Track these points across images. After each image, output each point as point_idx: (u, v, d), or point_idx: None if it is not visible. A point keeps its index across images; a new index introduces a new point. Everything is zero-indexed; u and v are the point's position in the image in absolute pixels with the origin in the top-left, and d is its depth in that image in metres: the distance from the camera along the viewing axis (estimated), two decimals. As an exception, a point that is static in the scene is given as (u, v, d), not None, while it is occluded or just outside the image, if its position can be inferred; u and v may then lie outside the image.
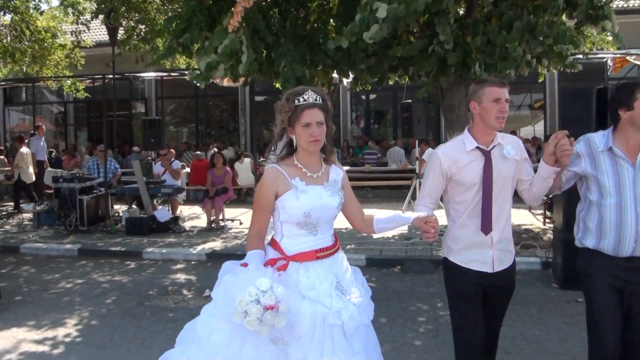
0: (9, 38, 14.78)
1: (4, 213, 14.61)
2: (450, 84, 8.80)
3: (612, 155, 3.60)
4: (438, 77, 8.44)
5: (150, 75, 16.84)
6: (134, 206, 12.11)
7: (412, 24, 7.48)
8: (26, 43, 14.79)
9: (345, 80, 13.31)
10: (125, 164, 15.97)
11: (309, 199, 3.19)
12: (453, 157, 3.70)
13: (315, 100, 3.18)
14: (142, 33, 13.65)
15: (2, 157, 17.81)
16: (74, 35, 15.13)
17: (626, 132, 3.58)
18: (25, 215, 13.62)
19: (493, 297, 3.83)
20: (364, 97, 19.99)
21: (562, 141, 3.49)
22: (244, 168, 14.34)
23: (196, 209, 14.09)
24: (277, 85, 11.35)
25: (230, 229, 12.04)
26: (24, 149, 14.20)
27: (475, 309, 3.76)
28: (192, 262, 9.59)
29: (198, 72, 8.46)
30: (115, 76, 13.79)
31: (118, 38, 13.97)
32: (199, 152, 15.42)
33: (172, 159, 13.06)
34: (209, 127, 22.21)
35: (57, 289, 8.19)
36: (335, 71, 9.90)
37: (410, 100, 11.52)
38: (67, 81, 16.13)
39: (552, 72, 10.67)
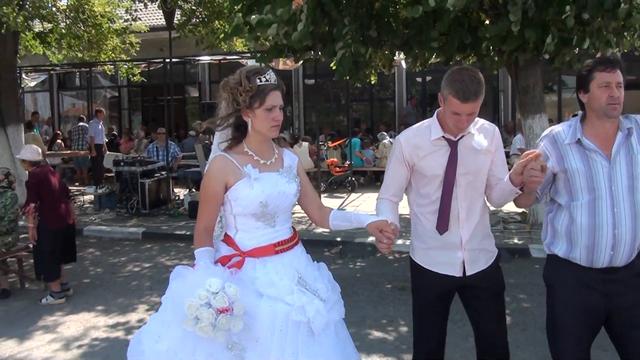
0: (64, 23, 14.71)
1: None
2: (526, 63, 8.36)
3: (581, 148, 3.04)
4: (514, 54, 7.99)
5: (207, 59, 16.65)
6: (194, 190, 11.96)
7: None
8: (82, 28, 14.72)
9: (403, 62, 12.94)
10: (181, 147, 15.87)
11: (264, 186, 2.89)
12: (415, 145, 3.27)
13: (275, 81, 2.89)
14: (201, 16, 13.40)
15: (59, 141, 17.91)
16: (129, 20, 14.98)
17: (592, 120, 3.06)
18: (86, 197, 13.60)
19: (472, 300, 3.40)
20: (419, 79, 19.40)
21: (532, 164, 2.87)
22: (302, 152, 14.00)
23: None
24: (333, 66, 11.09)
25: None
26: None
27: (435, 314, 3.42)
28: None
29: (259, 53, 8.20)
30: (173, 60, 13.64)
31: (174, 22, 13.84)
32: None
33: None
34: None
35: (124, 273, 8.10)
36: (400, 51, 9.54)
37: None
38: (124, 66, 16.03)
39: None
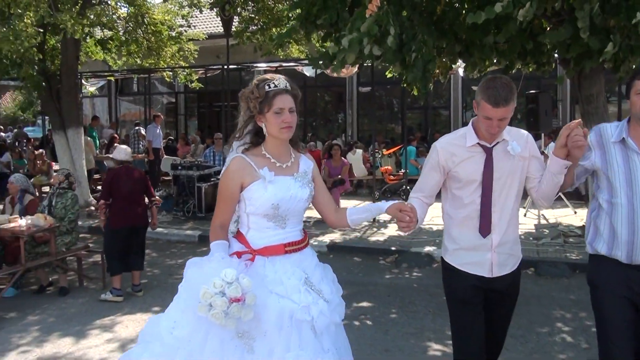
0: (124, 31, 14.96)
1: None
2: (590, 71, 8.10)
3: (624, 147, 3.22)
4: (581, 61, 7.74)
5: (263, 66, 16.72)
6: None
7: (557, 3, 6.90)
8: (142, 35, 14.95)
9: (460, 70, 12.73)
10: (236, 153, 15.92)
11: (277, 189, 3.01)
12: (451, 151, 3.40)
13: (287, 87, 3.03)
14: (260, 23, 13.46)
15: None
16: (184, 26, 15.15)
17: (634, 124, 3.24)
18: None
19: (492, 303, 3.52)
20: (475, 87, 18.90)
21: (575, 131, 3.11)
22: (356, 159, 13.93)
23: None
24: (389, 74, 10.95)
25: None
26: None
27: (474, 314, 3.47)
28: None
29: (329, 60, 8.06)
30: (230, 67, 13.73)
31: (232, 29, 13.95)
32: (312, 143, 15.16)
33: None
34: (311, 118, 21.99)
35: (181, 275, 8.03)
36: (459, 58, 9.36)
37: (537, 91, 10.79)
38: (182, 72, 16.22)
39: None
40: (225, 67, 13.57)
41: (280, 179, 3.03)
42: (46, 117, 22.52)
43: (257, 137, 3.11)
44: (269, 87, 2.99)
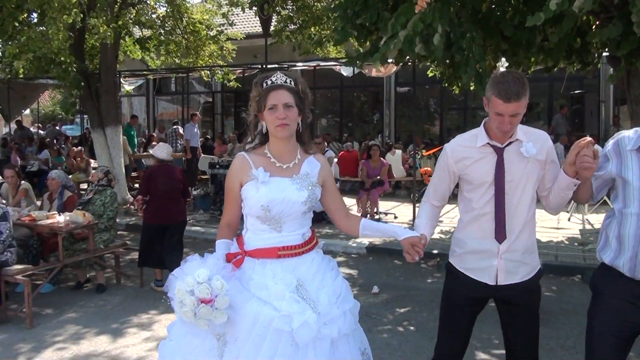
0: (163, 30, 14.99)
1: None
2: (640, 71, 7.78)
3: None
4: (631, 59, 7.42)
5: (302, 65, 16.62)
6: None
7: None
8: (180, 35, 14.96)
9: (502, 69, 12.42)
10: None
11: (269, 191, 2.90)
12: (462, 153, 3.28)
13: (285, 82, 2.93)
14: (299, 22, 13.33)
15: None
16: (224, 25, 15.11)
17: None
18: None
19: (504, 315, 3.39)
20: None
21: (584, 151, 2.90)
22: (395, 160, 13.70)
23: (345, 200, 13.49)
24: (430, 73, 10.73)
25: (386, 222, 11.46)
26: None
27: (462, 318, 3.38)
28: (352, 255, 9.11)
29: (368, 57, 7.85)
30: (268, 66, 13.63)
31: (270, 29, 13.85)
32: (349, 143, 14.97)
33: (326, 149, 12.67)
34: (347, 119, 21.80)
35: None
36: (503, 57, 9.09)
37: (581, 91, 10.46)
38: (220, 72, 16.19)
39: None
40: (264, 66, 13.43)
41: (275, 180, 2.94)
42: (84, 115, 22.83)
43: (265, 137, 3.05)
44: (266, 84, 2.92)
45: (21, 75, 15.49)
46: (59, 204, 7.65)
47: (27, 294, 6.18)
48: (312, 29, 13.44)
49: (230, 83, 16.45)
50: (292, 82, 2.94)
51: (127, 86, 20.70)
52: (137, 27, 14.82)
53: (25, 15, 12.71)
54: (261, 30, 16.86)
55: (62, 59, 11.31)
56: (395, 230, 3.11)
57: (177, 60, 15.77)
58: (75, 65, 12.06)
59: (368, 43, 8.46)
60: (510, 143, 3.17)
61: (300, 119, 2.99)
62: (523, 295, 3.30)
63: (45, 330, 6.03)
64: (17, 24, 12.24)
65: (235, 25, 15.47)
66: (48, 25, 9.79)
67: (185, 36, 14.77)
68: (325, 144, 13.60)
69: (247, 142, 3.10)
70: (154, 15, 14.64)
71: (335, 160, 14.41)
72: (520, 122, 3.16)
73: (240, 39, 16.11)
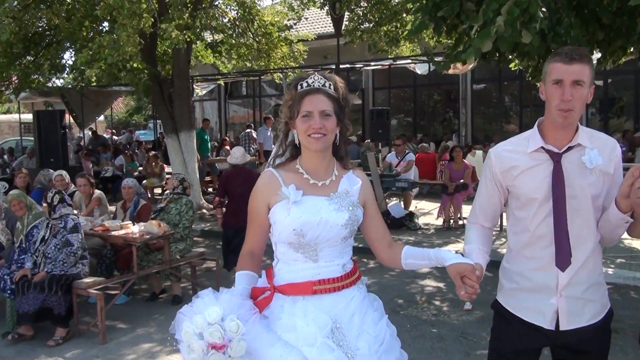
0: (234, 34, 14.76)
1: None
2: None
3: None
4: None
5: (375, 64, 16.13)
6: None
7: None
8: (251, 37, 14.71)
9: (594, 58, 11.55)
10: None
11: (302, 212, 2.42)
12: (509, 160, 2.65)
13: (323, 85, 2.45)
14: (374, 19, 12.83)
15: (227, 147, 18.08)
16: (296, 25, 14.79)
17: None
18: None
19: None
20: (599, 82, 17.38)
21: (639, 183, 2.31)
22: (476, 161, 12.90)
23: (423, 204, 12.98)
24: (514, 67, 9.99)
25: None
26: None
27: None
28: (439, 267, 8.39)
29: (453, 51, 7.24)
30: (341, 66, 13.19)
31: (342, 28, 13.42)
32: (424, 144, 14.35)
33: (407, 151, 12.09)
34: (420, 118, 21.10)
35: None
36: (598, 47, 8.31)
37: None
38: (292, 73, 15.83)
39: None
40: (336, 66, 12.98)
41: (309, 200, 2.46)
42: (157, 121, 22.98)
43: (296, 150, 2.58)
44: (301, 87, 2.46)
45: (94, 83, 15.57)
46: (132, 212, 7.38)
47: (100, 308, 5.89)
48: (385, 28, 12.92)
49: (302, 85, 16.03)
50: (332, 87, 2.48)
51: (199, 91, 20.67)
52: (208, 31, 14.64)
53: (95, 24, 12.68)
54: (331, 30, 16.52)
55: (133, 65, 11.16)
56: (442, 255, 2.50)
57: (248, 64, 15.54)
58: (146, 71, 11.92)
59: (446, 38, 7.86)
60: (569, 149, 2.57)
61: (339, 130, 2.53)
62: (593, 342, 2.66)
63: (119, 347, 5.74)
64: (87, 33, 12.22)
65: (304, 27, 15.14)
66: (118, 31, 9.61)
67: (257, 39, 14.47)
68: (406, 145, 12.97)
69: (277, 155, 2.63)
70: (225, 20, 14.43)
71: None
72: (588, 125, 2.60)
73: (311, 39, 15.73)
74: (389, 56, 14.52)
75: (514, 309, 2.70)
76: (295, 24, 14.84)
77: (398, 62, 15.49)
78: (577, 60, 2.45)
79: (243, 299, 2.38)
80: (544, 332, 2.62)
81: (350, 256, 2.58)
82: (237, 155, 7.55)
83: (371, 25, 13.07)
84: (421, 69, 16.09)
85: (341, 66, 13.36)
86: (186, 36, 9.96)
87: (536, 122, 2.68)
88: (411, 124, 20.68)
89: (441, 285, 7.38)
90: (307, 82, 2.45)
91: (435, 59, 11.15)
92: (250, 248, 2.59)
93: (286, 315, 2.40)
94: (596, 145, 2.57)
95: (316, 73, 2.50)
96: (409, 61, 15.17)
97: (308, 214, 2.41)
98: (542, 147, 2.58)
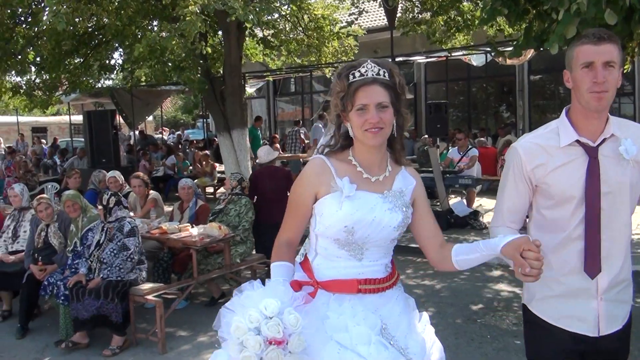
0: (284, 29, 14.41)
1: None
2: None
3: None
4: None
5: (423, 58, 15.60)
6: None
7: None
8: (302, 33, 14.34)
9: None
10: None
11: (356, 209, 2.28)
12: (539, 155, 2.45)
13: (378, 74, 2.28)
14: (432, 8, 12.32)
15: (277, 145, 17.80)
16: (351, 21, 14.38)
17: None
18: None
19: None
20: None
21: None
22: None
23: (484, 201, 12.37)
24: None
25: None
26: None
27: None
28: (511, 269, 7.84)
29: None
30: (396, 60, 12.75)
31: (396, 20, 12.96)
32: (482, 139, 13.81)
33: (469, 146, 11.57)
34: (476, 111, 20.41)
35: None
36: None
37: None
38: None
39: None
40: (391, 60, 12.52)
41: (363, 195, 2.32)
42: (207, 119, 22.87)
43: (347, 140, 2.43)
44: (353, 77, 2.29)
45: (143, 82, 15.42)
46: (191, 215, 7.06)
47: (160, 316, 5.58)
48: (442, 17, 12.40)
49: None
50: (387, 74, 2.30)
51: (249, 88, 20.46)
52: (258, 28, 14.34)
53: (147, 20, 12.47)
54: (382, 24, 16.05)
55: (189, 63, 10.87)
56: (491, 242, 2.24)
57: (297, 60, 15.21)
58: (199, 68, 11.67)
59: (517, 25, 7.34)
60: (603, 140, 2.40)
61: (395, 120, 2.35)
62: (623, 347, 2.55)
63: (179, 357, 5.42)
64: (137, 29, 12.01)
65: (359, 18, 14.74)
66: (180, 13, 9.25)
67: (308, 33, 14.08)
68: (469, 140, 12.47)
69: (327, 145, 2.46)
70: (275, 15, 14.09)
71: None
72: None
73: (361, 34, 15.26)
74: (444, 47, 13.99)
75: (553, 319, 2.50)
76: (356, 18, 14.38)
77: (454, 54, 14.91)
78: (606, 40, 2.29)
79: (293, 291, 2.19)
80: (586, 339, 2.46)
81: (391, 256, 2.47)
82: (261, 154, 7.70)
83: (428, 15, 12.56)
84: (477, 60, 15.50)
85: (396, 59, 12.87)
86: (251, 13, 9.43)
87: (563, 111, 2.48)
88: (465, 118, 20.02)
89: (517, 290, 6.84)
90: (359, 71, 2.28)
91: (498, 49, 10.60)
92: (288, 237, 2.45)
93: (334, 314, 2.28)
94: (628, 133, 2.42)
95: (369, 61, 2.30)
96: (464, 52, 14.61)
97: (362, 212, 2.28)
98: (577, 141, 2.40)
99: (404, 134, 2.50)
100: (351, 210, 2.28)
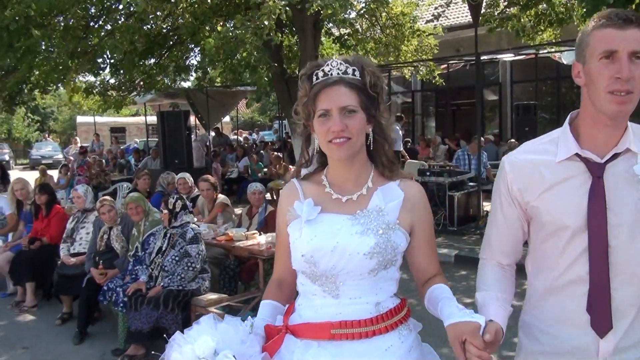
0: (361, 27, 13.96)
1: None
2: None
3: None
4: None
5: (509, 56, 14.85)
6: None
7: None
8: (379, 31, 13.85)
9: None
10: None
11: (315, 234, 1.89)
12: (530, 172, 1.92)
13: (345, 72, 1.89)
14: (520, 1, 11.68)
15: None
16: (436, 15, 13.83)
17: None
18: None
19: None
20: None
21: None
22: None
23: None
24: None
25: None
26: None
27: None
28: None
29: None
30: (482, 58, 12.12)
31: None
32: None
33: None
34: (564, 113, 19.39)
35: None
36: None
37: None
38: (422, 68, 14.85)
39: None
40: (476, 58, 11.91)
41: (327, 218, 1.95)
42: (282, 121, 22.75)
43: (324, 157, 2.07)
44: (316, 78, 1.93)
45: (218, 83, 15.31)
46: (260, 221, 6.71)
47: (223, 329, 5.18)
48: (532, 11, 11.69)
49: (435, 80, 15.03)
50: (357, 72, 1.93)
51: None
52: (335, 27, 13.97)
53: (221, 20, 12.32)
54: (464, 20, 15.37)
55: (259, 56, 10.60)
56: (444, 309, 1.86)
57: (374, 60, 14.75)
58: (271, 66, 11.41)
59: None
60: (615, 156, 1.85)
61: (372, 128, 1.98)
62: None
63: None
64: (211, 28, 11.87)
65: (443, 15, 14.20)
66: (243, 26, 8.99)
67: (387, 31, 13.58)
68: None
69: (300, 165, 2.12)
70: (352, 14, 13.67)
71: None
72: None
73: (442, 34, 14.66)
74: (531, 44, 13.25)
75: None
76: (443, 11, 13.83)
77: (543, 52, 14.11)
78: (634, 24, 1.73)
79: (253, 333, 1.90)
80: None
81: (392, 292, 2.00)
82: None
83: (517, 9, 11.88)
84: (567, 58, 14.61)
85: (481, 58, 12.23)
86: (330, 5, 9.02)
87: (567, 118, 1.95)
88: (554, 120, 19.04)
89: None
90: (323, 70, 1.93)
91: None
92: (278, 276, 2.15)
93: None
94: None
95: (334, 59, 1.94)
96: (555, 49, 13.82)
97: (320, 238, 1.92)
98: (577, 155, 1.87)
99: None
100: (310, 235, 1.93)
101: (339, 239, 1.90)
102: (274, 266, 2.18)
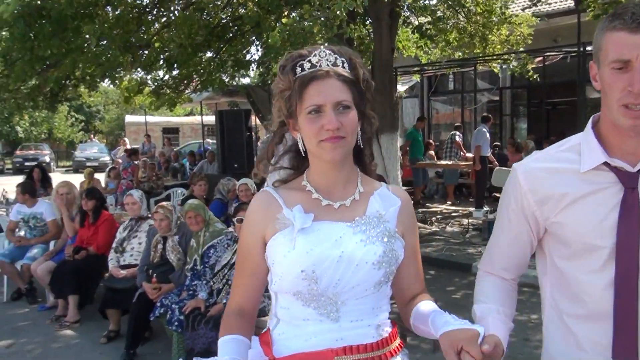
0: (443, 15, 13.79)
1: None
2: None
3: None
4: None
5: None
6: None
7: None
8: (463, 20, 13.66)
9: None
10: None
11: (314, 244, 1.82)
12: (551, 183, 1.85)
13: (335, 64, 1.87)
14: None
15: (431, 152, 17.30)
16: (531, 4, 13.53)
17: None
18: (472, 221, 12.43)
19: None
20: None
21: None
22: None
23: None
24: None
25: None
26: None
27: None
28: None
29: None
30: (586, 50, 11.89)
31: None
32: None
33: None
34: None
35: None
36: None
37: None
38: (514, 61, 14.59)
39: None
40: (580, 50, 11.64)
41: (323, 226, 1.89)
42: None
43: (300, 160, 2.03)
44: (301, 70, 1.88)
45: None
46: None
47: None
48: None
49: (529, 74, 14.75)
50: (346, 64, 1.91)
51: (400, 86, 20.08)
52: (413, 15, 13.87)
53: (288, 10, 12.40)
54: (563, 6, 15.00)
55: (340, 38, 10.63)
56: (437, 322, 1.84)
57: (458, 53, 14.58)
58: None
59: None
60: None
61: (360, 126, 1.96)
62: None
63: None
64: (276, 18, 11.94)
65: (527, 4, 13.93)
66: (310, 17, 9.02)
67: (474, 18, 13.38)
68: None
69: (262, 161, 2.07)
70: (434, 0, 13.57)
71: None
72: None
73: (535, 23, 14.36)
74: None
75: None
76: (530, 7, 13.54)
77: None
78: None
79: None
80: None
81: (388, 312, 1.99)
82: None
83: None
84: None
85: (587, 48, 11.95)
86: None
87: (589, 122, 1.90)
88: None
89: None
90: (310, 61, 1.89)
91: None
92: (238, 304, 2.02)
93: None
94: None
95: (322, 48, 1.91)
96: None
97: (323, 247, 1.85)
98: (607, 164, 1.81)
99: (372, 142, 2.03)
100: (307, 247, 1.85)
101: (344, 248, 1.86)
102: (231, 295, 2.09)
